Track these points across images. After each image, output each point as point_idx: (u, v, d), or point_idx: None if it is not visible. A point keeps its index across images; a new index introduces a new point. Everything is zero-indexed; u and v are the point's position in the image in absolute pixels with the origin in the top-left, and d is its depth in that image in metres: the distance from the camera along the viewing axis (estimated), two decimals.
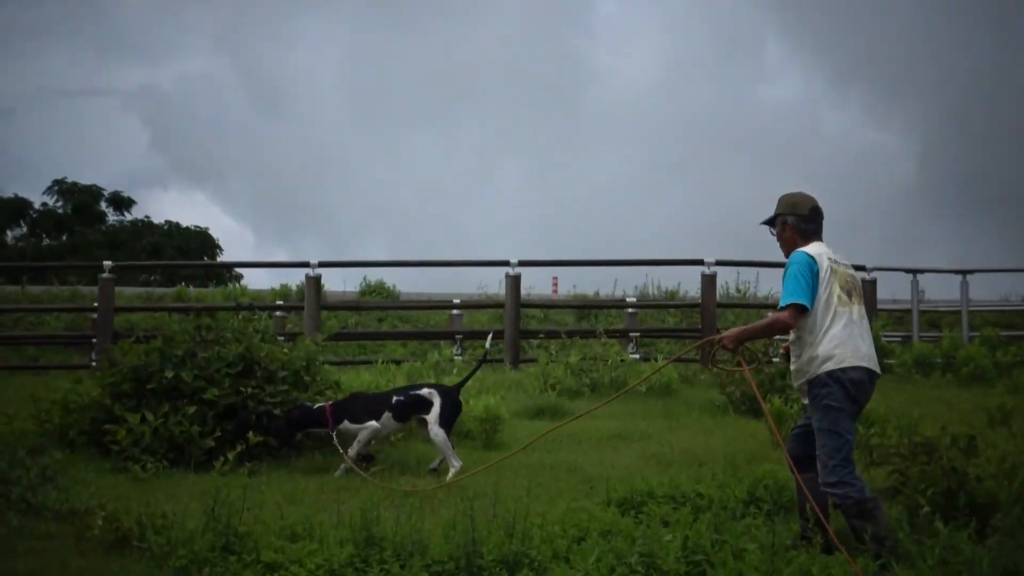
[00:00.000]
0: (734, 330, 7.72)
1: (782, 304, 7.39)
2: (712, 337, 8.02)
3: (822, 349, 7.29)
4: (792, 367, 7.61)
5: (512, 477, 9.99)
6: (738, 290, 29.73)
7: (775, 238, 7.86)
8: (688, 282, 30.16)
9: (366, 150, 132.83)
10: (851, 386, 7.26)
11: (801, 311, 7.34)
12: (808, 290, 7.32)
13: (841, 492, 7.17)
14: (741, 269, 28.35)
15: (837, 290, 7.38)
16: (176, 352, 11.25)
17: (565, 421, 11.30)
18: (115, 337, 18.45)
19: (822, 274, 7.37)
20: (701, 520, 7.30)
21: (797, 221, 7.68)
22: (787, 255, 7.63)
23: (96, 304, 20.95)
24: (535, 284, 29.48)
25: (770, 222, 7.87)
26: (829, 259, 7.45)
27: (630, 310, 22.97)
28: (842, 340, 7.29)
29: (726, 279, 29.18)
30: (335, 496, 9.31)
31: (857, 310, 7.45)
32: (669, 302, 28.28)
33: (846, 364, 7.26)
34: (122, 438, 10.55)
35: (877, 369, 7.46)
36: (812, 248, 7.51)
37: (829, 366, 7.26)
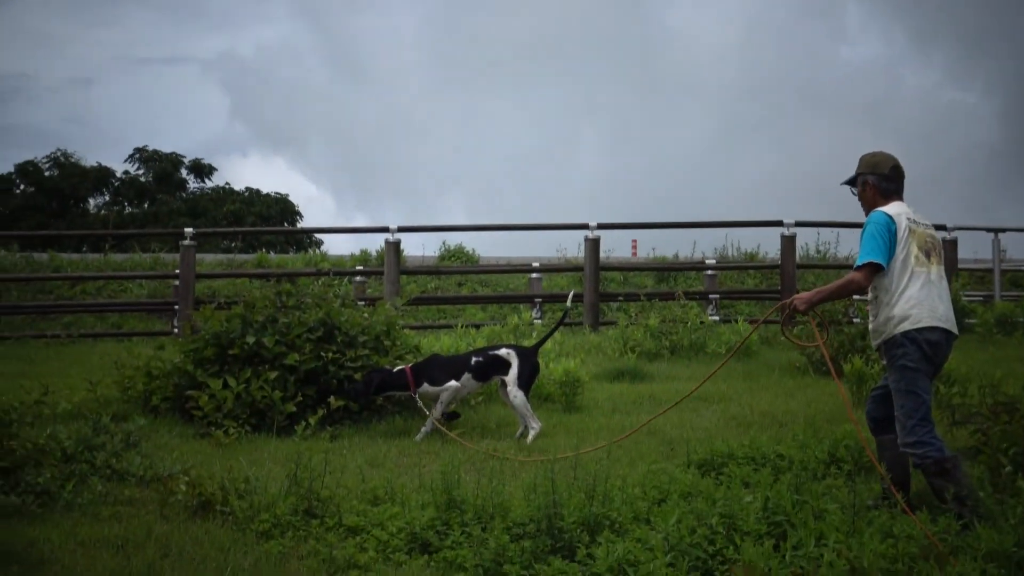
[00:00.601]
0: (806, 294, 7.67)
1: (857, 264, 7.36)
2: (784, 301, 7.95)
3: (898, 309, 7.24)
4: (870, 327, 7.57)
5: (592, 440, 9.98)
6: (818, 251, 29.54)
7: (856, 198, 7.80)
8: (768, 243, 30.15)
9: (445, 115, 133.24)
10: (927, 347, 7.20)
11: (876, 270, 7.31)
12: (884, 249, 7.27)
13: (920, 452, 7.13)
14: (821, 230, 28.27)
15: (915, 250, 7.31)
16: (257, 318, 11.34)
17: (683, 397, 11.20)
18: (197, 304, 18.65)
19: (900, 234, 7.31)
20: (782, 481, 7.24)
21: (878, 180, 7.61)
22: (867, 214, 7.57)
23: (178, 271, 21.14)
24: (614, 247, 29.56)
25: (851, 182, 7.82)
26: (908, 219, 7.38)
27: (709, 272, 22.86)
28: (919, 300, 7.23)
29: (806, 240, 29.09)
30: (416, 460, 9.39)
31: (936, 270, 7.37)
32: (749, 264, 28.15)
33: (922, 324, 7.20)
34: (204, 404, 10.66)
35: (954, 330, 7.39)
36: (891, 208, 7.44)
37: (905, 326, 7.21)
